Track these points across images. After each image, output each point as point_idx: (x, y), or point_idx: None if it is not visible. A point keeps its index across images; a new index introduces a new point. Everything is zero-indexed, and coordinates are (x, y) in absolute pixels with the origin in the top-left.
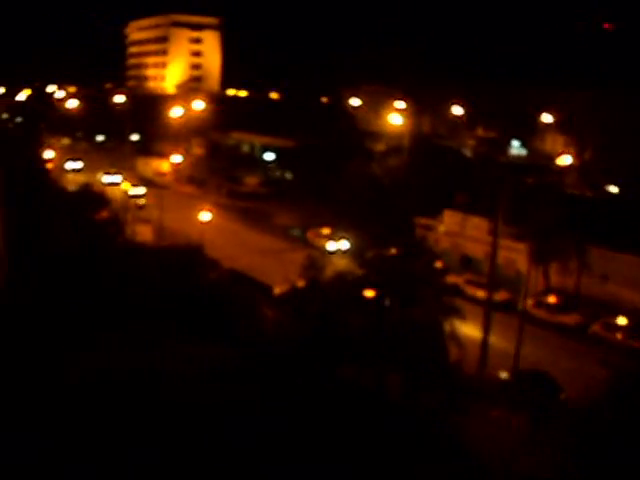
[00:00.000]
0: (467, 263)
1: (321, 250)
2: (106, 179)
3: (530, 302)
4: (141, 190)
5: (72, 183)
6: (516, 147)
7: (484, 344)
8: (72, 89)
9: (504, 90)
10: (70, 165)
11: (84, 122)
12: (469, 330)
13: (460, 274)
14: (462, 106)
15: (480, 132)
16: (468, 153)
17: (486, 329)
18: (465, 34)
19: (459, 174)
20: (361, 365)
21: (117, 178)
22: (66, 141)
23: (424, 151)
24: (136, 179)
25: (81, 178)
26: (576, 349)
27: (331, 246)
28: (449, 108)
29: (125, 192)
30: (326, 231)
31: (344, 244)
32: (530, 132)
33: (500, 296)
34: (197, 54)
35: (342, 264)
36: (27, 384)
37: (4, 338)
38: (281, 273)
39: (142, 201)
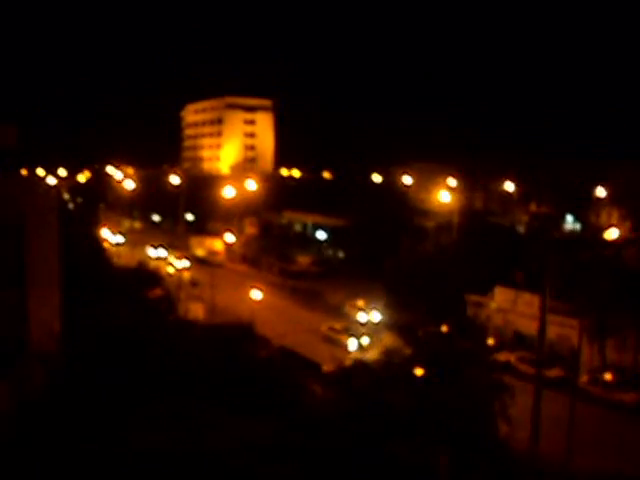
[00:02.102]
0: (520, 340)
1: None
2: (152, 253)
3: (585, 379)
4: (186, 263)
5: (129, 260)
6: (570, 222)
7: (535, 421)
8: (130, 170)
9: (556, 164)
10: (113, 239)
11: (141, 202)
12: (520, 408)
13: (513, 351)
14: (514, 182)
15: (533, 207)
16: (521, 229)
17: (536, 406)
18: (516, 109)
19: (511, 250)
20: (409, 443)
21: (162, 252)
22: (126, 222)
23: (475, 228)
24: (189, 257)
25: (136, 256)
26: (634, 428)
27: (362, 317)
28: (501, 184)
29: (178, 270)
30: (361, 303)
31: (375, 315)
32: (584, 206)
33: (553, 373)
34: (251, 135)
35: (390, 342)
36: (74, 459)
37: (55, 411)
38: (330, 350)
39: (186, 274)
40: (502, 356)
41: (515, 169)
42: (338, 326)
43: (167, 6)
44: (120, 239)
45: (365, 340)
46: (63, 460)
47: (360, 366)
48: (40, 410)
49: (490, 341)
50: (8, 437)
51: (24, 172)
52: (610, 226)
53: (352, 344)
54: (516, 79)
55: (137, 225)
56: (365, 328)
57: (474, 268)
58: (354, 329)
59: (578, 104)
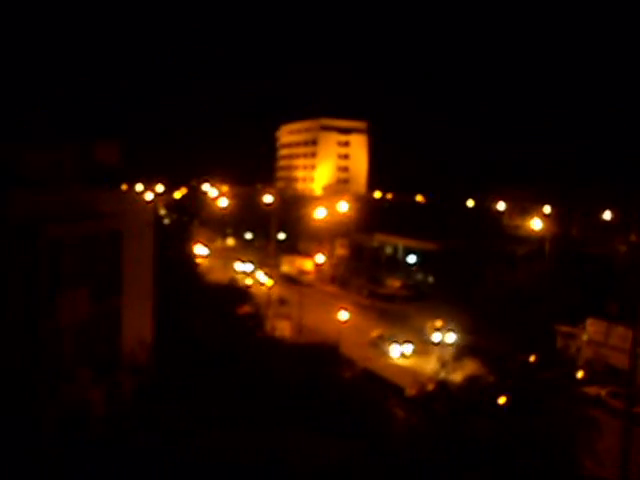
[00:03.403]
0: (612, 374)
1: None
2: (238, 267)
3: None
4: (270, 280)
5: (221, 276)
6: None
7: (623, 458)
8: (225, 188)
9: None
10: (199, 251)
11: (234, 220)
12: (610, 445)
13: (604, 385)
14: (614, 211)
15: (633, 237)
16: (619, 259)
17: (625, 442)
18: (613, 139)
19: (606, 281)
20: (488, 473)
21: (249, 267)
22: (219, 240)
23: (570, 256)
24: (277, 275)
25: (228, 272)
26: None
27: (436, 337)
28: (600, 213)
29: (263, 285)
30: (439, 323)
31: (451, 337)
32: None
33: None
34: (345, 157)
35: (473, 369)
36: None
37: (142, 420)
38: (415, 374)
39: (274, 292)
40: (592, 390)
41: (615, 197)
42: (386, 334)
43: (265, 30)
44: (206, 251)
45: (408, 348)
46: (144, 468)
47: (442, 391)
48: (128, 418)
49: (580, 374)
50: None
51: (124, 187)
52: None
53: (394, 350)
54: (622, 106)
55: (230, 242)
56: (447, 352)
57: (566, 297)
58: (398, 337)
59: None
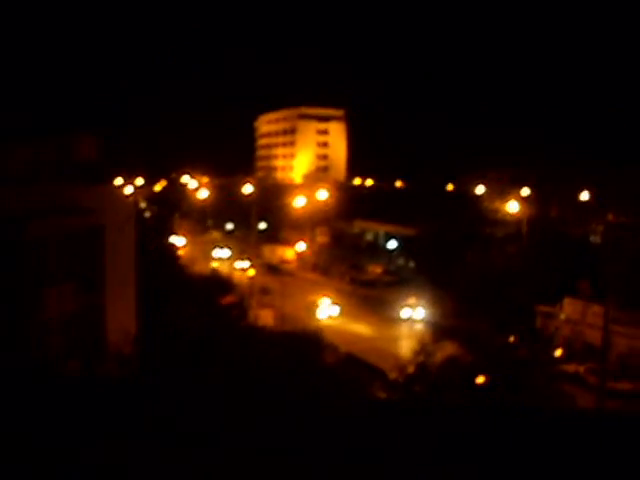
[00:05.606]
0: (589, 351)
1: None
2: (216, 253)
3: None
4: (246, 264)
5: (203, 268)
6: None
7: None
8: (205, 180)
9: (636, 172)
10: (175, 240)
11: (214, 211)
12: None
13: (582, 362)
14: (591, 191)
15: (610, 217)
16: (596, 239)
17: None
18: (594, 118)
19: (583, 261)
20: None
21: (226, 253)
22: (202, 235)
23: (546, 238)
24: (261, 266)
25: (210, 263)
26: None
27: (405, 313)
28: (577, 194)
29: (249, 278)
30: (411, 301)
31: (420, 312)
32: None
33: (623, 386)
34: (323, 145)
35: (452, 350)
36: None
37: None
38: (396, 358)
39: (250, 272)
40: (571, 367)
41: (594, 178)
42: (318, 299)
43: (241, 21)
44: (183, 241)
45: (335, 310)
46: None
47: (422, 373)
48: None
49: (558, 352)
50: None
51: (104, 182)
52: None
53: (320, 312)
54: (596, 87)
55: (215, 235)
56: (420, 330)
57: (544, 278)
58: (328, 300)
59: None
